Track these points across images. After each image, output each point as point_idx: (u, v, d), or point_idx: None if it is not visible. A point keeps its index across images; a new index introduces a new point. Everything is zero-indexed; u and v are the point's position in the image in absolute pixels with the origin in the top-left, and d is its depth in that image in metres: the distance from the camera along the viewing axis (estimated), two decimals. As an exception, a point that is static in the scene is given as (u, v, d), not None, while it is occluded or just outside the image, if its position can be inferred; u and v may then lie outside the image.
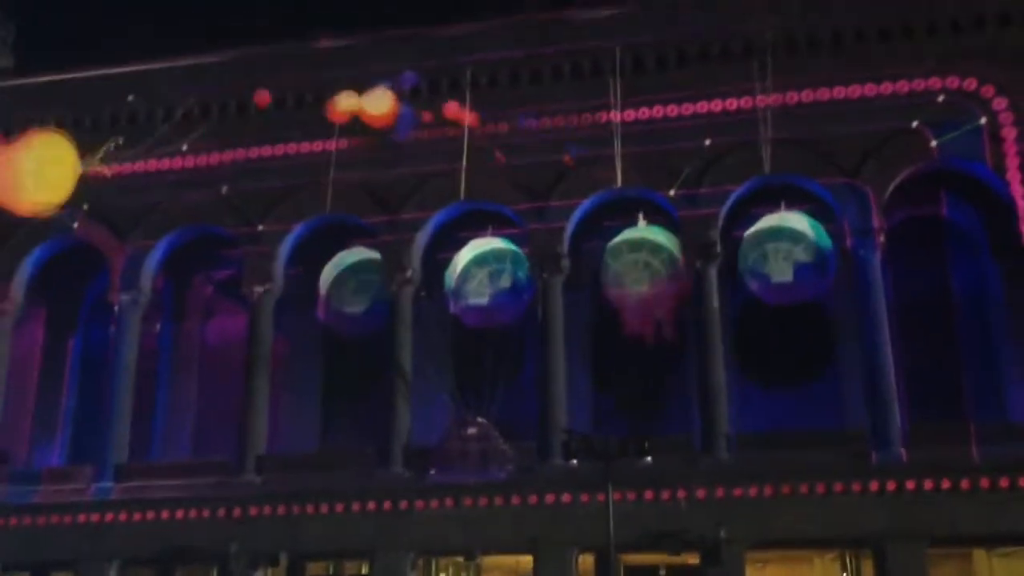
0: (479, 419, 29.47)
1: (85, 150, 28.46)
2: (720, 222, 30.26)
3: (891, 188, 29.67)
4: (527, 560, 29.12)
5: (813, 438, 28.19)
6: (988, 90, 29.34)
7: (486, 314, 31.87)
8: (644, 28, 31.63)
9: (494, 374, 29.49)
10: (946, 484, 26.73)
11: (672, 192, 30.32)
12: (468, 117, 31.29)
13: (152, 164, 33.37)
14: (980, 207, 30.58)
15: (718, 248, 30.04)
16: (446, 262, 32.57)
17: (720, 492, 27.69)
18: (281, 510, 29.90)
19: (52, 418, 35.30)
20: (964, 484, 26.65)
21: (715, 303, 29.85)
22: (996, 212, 29.54)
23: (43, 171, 19.04)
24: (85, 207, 31.14)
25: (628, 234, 31.61)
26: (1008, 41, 29.65)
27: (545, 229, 31.09)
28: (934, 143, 29.20)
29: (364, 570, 30.47)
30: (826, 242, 30.30)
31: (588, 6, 32.41)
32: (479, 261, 32.45)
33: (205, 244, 34.16)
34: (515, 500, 28.75)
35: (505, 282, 32.11)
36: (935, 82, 29.70)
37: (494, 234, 32.46)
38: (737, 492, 27.59)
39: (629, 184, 30.55)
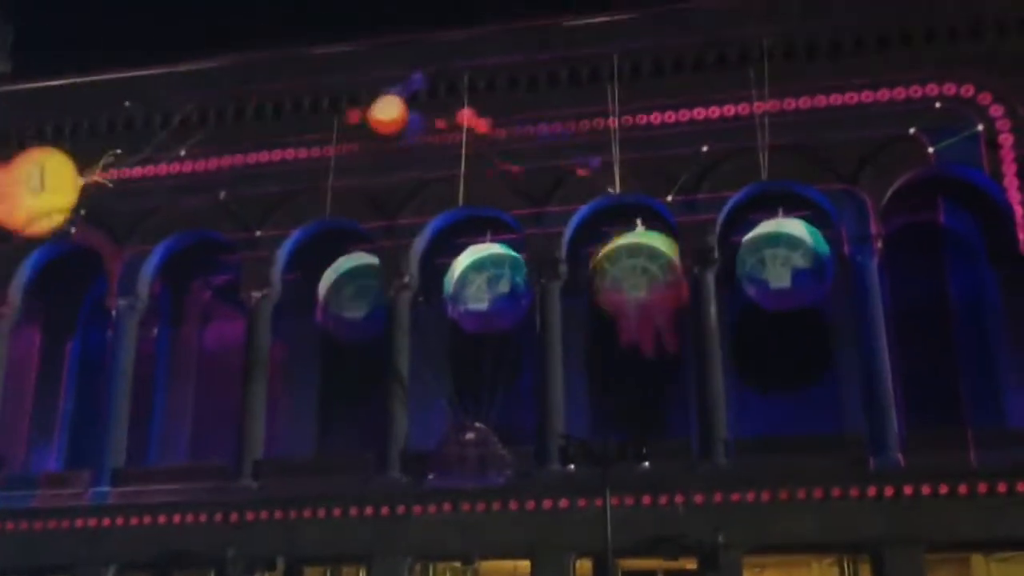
0: (477, 424, 29.41)
1: (83, 155, 28.85)
2: (718, 228, 30.33)
3: (889, 194, 29.76)
4: (525, 565, 29.09)
5: (811, 443, 28.26)
6: (985, 97, 29.46)
7: (484, 319, 31.88)
8: (642, 35, 31.69)
9: (492, 379, 29.45)
10: (944, 489, 26.79)
11: (670, 198, 30.37)
12: (467, 122, 31.30)
13: (150, 169, 33.29)
14: (977, 214, 30.63)
15: (716, 254, 30.11)
16: (444, 267, 32.59)
17: (718, 497, 27.69)
18: (278, 515, 29.86)
19: (49, 422, 35.23)
20: (962, 489, 26.70)
21: (713, 309, 29.92)
22: (993, 219, 29.62)
23: (42, 195, 19.07)
24: (83, 212, 31.03)
25: (624, 239, 31.65)
26: (1005, 48, 29.78)
27: (543, 235, 31.15)
28: (931, 150, 29.28)
29: (362, 575, 30.40)
30: (824, 248, 30.35)
31: (586, 13, 32.43)
32: (477, 266, 32.45)
33: (203, 249, 34.13)
34: (513, 505, 28.75)
35: (503, 287, 32.11)
36: (932, 89, 29.82)
37: (492, 240, 32.45)
38: (735, 497, 27.59)
39: (627, 190, 30.60)
